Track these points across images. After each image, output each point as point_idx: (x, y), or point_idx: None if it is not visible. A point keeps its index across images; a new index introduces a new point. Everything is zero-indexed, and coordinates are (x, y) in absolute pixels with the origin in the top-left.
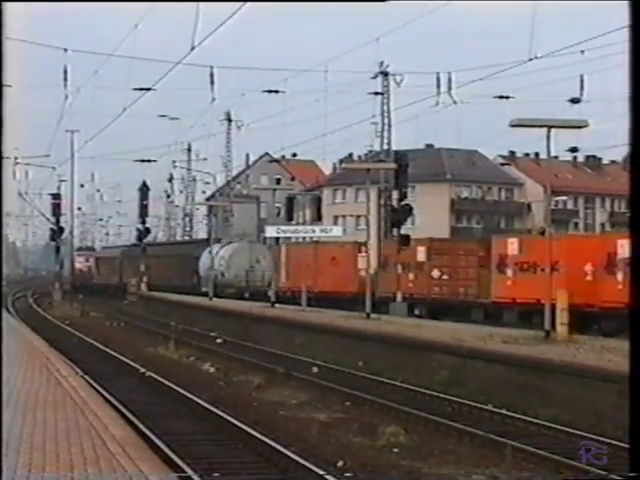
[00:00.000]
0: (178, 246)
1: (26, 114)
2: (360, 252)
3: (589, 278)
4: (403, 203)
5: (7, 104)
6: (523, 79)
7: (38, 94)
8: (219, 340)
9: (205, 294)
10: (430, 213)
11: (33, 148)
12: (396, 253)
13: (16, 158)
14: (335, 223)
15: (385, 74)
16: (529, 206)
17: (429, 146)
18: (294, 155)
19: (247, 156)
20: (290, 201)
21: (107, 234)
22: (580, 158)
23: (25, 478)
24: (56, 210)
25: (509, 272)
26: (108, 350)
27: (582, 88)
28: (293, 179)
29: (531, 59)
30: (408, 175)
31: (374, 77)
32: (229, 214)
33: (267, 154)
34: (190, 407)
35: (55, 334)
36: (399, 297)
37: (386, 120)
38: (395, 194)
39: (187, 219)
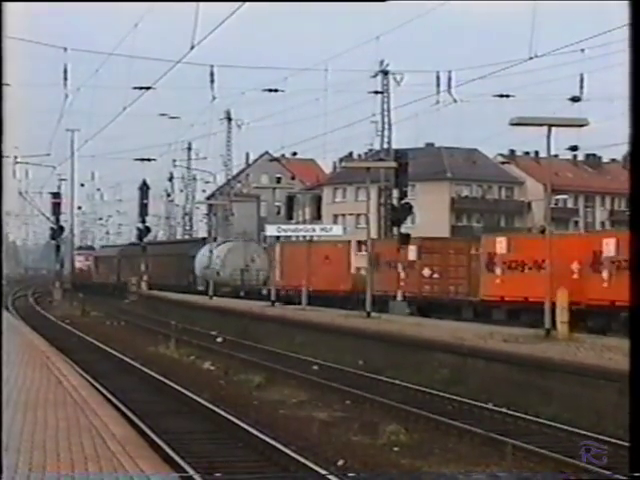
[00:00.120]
0: (174, 245)
1: (26, 113)
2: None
3: (575, 276)
4: (403, 202)
5: (7, 103)
6: (523, 78)
7: (38, 93)
8: (219, 339)
9: (201, 292)
10: (430, 212)
11: (33, 147)
12: (388, 252)
13: (16, 157)
14: (335, 222)
15: (385, 73)
16: (529, 205)
17: (429, 145)
18: (294, 154)
19: (247, 155)
20: (290, 200)
21: (107, 233)
22: (580, 157)
23: (26, 477)
24: (56, 209)
25: (498, 271)
26: (108, 349)
27: (582, 87)
28: (293, 178)
29: (531, 58)
30: (408, 174)
31: (374, 76)
32: (229, 213)
33: (267, 153)
34: (190, 406)
35: (55, 333)
36: (399, 296)
37: (386, 119)
38: (395, 193)
39: (187, 218)
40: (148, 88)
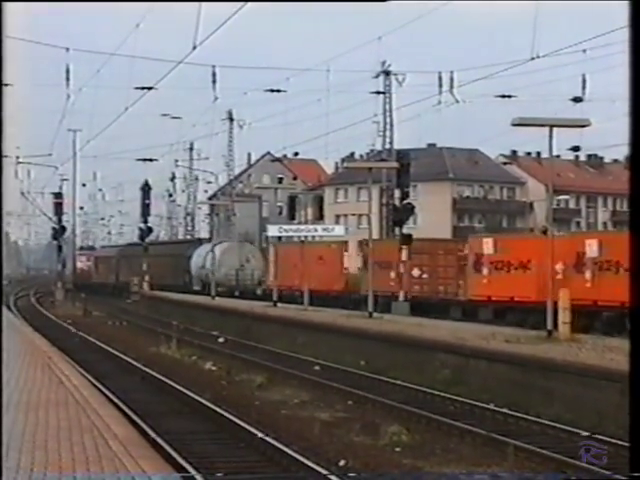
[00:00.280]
0: (170, 246)
1: (28, 113)
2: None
3: (560, 277)
4: (405, 202)
5: (9, 103)
6: (525, 78)
7: (40, 93)
8: (221, 339)
9: (197, 292)
10: (432, 212)
11: (35, 147)
12: (378, 253)
13: (18, 157)
14: (337, 222)
15: (387, 73)
16: (531, 205)
17: (431, 145)
18: (296, 154)
19: (249, 155)
20: (292, 200)
21: (109, 233)
22: (582, 157)
23: (27, 477)
24: (58, 209)
25: (485, 271)
26: (110, 349)
27: (584, 87)
28: (295, 178)
29: (533, 58)
30: (410, 174)
31: (376, 76)
32: (231, 213)
33: (269, 153)
34: (192, 406)
35: (57, 333)
36: (401, 296)
37: (388, 119)
38: (397, 193)
39: (189, 218)
40: (150, 88)
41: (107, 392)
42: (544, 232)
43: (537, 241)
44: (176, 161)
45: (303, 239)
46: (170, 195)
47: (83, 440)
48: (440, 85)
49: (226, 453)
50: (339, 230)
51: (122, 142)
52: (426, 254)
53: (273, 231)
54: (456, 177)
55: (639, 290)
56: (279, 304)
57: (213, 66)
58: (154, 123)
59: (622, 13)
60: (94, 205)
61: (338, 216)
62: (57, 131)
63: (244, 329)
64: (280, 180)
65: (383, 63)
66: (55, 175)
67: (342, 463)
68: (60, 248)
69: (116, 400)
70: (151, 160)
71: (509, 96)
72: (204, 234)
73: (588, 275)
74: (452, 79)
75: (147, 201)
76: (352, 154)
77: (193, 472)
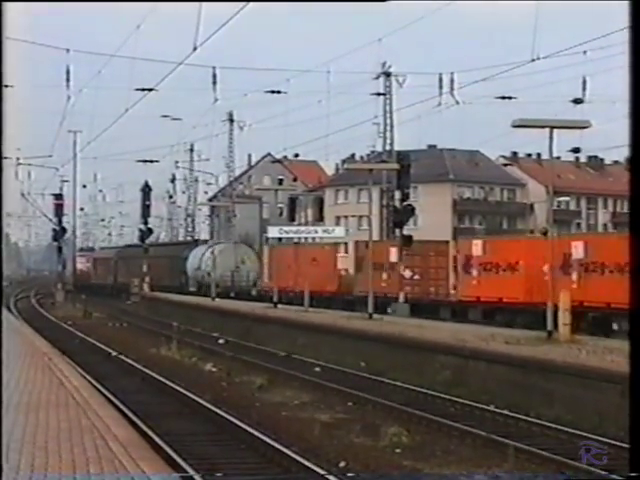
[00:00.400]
0: (167, 247)
1: (29, 114)
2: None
3: (547, 278)
4: (405, 204)
5: (10, 104)
6: (525, 80)
7: (40, 94)
8: (221, 341)
9: (193, 293)
10: (432, 214)
11: (36, 149)
12: (371, 254)
13: (19, 159)
14: (337, 224)
15: (387, 74)
16: (531, 207)
17: (431, 146)
18: (296, 155)
19: (249, 156)
20: (292, 202)
21: (109, 235)
22: (582, 159)
23: (27, 478)
24: (58, 210)
25: (474, 272)
26: (110, 350)
27: (584, 89)
28: (295, 180)
29: (533, 60)
30: (410, 175)
31: (376, 78)
32: (231, 215)
33: (269, 154)
34: (192, 407)
35: (57, 335)
36: (401, 297)
37: (388, 121)
38: (397, 195)
39: (189, 220)
40: (150, 90)
41: (107, 393)
42: (544, 234)
43: (525, 243)
44: (176, 162)
45: (297, 241)
46: (170, 196)
47: (83, 441)
48: (440, 86)
49: (226, 454)
50: (339, 231)
51: (122, 143)
52: (417, 255)
53: (273, 232)
54: (456, 178)
55: (639, 291)
56: (279, 305)
57: (213, 67)
58: (154, 124)
59: (622, 14)
60: (94, 206)
61: (338, 217)
62: (57, 132)
63: (244, 330)
64: (280, 181)
65: (383, 64)
66: (55, 176)
67: (342, 464)
68: (60, 249)
69: (116, 401)
70: (151, 161)
71: (509, 97)
72: (204, 235)
73: (574, 276)
74: (452, 80)
75: (147, 202)
76: (352, 155)
77: (192, 473)
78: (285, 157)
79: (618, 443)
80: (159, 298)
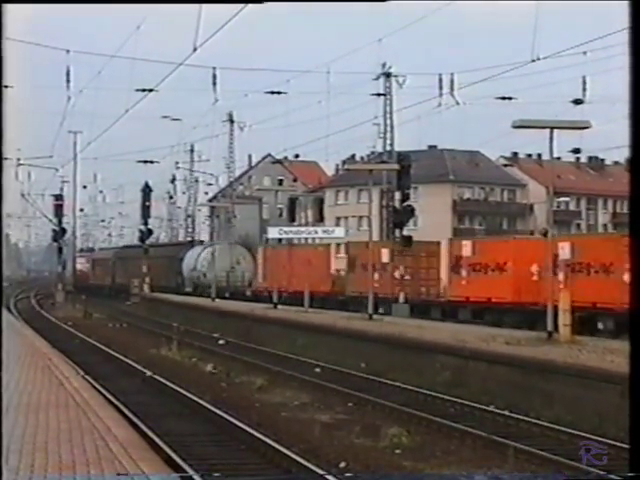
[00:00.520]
0: (163, 248)
1: (29, 115)
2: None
3: (535, 278)
4: (405, 204)
5: (10, 105)
6: (526, 80)
7: (41, 95)
8: (221, 341)
9: (189, 293)
10: (432, 214)
11: (36, 149)
12: (363, 255)
13: (19, 159)
14: (337, 224)
15: (387, 75)
16: (531, 207)
17: (432, 147)
18: (296, 156)
19: (250, 157)
20: (292, 202)
21: (109, 235)
22: (583, 159)
23: (27, 479)
24: (58, 211)
25: (463, 272)
26: (110, 351)
27: (585, 89)
28: (295, 180)
29: (534, 60)
30: (411, 176)
31: (376, 78)
32: (231, 215)
33: (269, 155)
34: (192, 408)
35: (58, 335)
36: (401, 298)
37: (388, 121)
38: (397, 195)
39: (189, 220)
40: (150, 90)
41: (107, 394)
42: (544, 234)
43: (513, 244)
44: (177, 163)
45: (293, 242)
46: (170, 197)
47: (83, 442)
48: (441, 87)
49: (226, 455)
50: (339, 232)
51: (123, 144)
52: (409, 256)
53: (273, 233)
54: (457, 179)
55: (639, 291)
56: (279, 306)
57: (213, 68)
58: (155, 125)
59: (622, 15)
60: (94, 207)
61: (338, 218)
62: (58, 133)
63: (244, 331)
64: (280, 182)
65: (383, 65)
66: (55, 177)
67: (342, 465)
68: (60, 250)
69: (116, 402)
70: (152, 162)
71: (510, 98)
72: (204, 236)
73: (561, 277)
74: (452, 81)
75: (147, 203)
76: (353, 156)
77: (192, 473)
78: (285, 158)
79: (618, 443)
80: (159, 299)
